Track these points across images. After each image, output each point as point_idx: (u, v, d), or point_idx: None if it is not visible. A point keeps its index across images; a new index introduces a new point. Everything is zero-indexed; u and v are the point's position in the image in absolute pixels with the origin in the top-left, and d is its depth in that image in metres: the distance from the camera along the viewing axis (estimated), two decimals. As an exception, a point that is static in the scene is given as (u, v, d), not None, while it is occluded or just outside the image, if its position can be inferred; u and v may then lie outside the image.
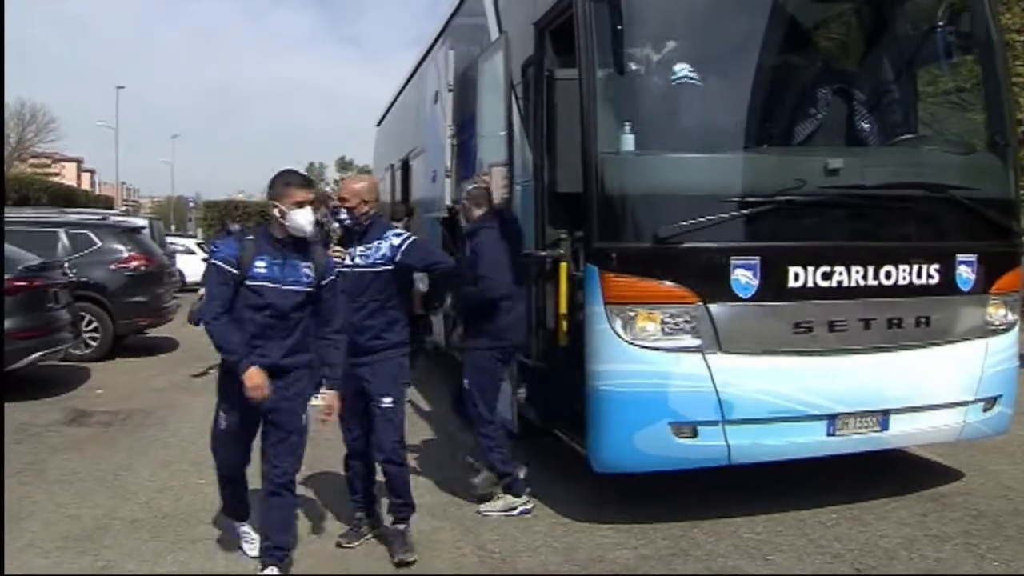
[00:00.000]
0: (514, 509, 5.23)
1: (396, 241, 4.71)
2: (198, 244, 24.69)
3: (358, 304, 4.64)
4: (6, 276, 8.37)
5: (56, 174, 66.33)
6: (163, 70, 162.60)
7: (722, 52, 5.37)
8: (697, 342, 4.79)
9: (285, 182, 4.19)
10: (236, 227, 10.38)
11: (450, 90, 8.05)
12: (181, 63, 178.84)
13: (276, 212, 4.14)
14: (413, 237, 4.91)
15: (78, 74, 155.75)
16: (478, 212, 5.49)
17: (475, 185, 5.85)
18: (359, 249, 4.69)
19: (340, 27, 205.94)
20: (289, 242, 4.18)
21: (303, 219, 4.13)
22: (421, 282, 5.39)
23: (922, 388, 5.18)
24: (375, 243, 4.70)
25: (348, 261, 4.65)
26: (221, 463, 4.46)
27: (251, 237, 4.22)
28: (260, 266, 4.12)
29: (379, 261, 4.67)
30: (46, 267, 9.39)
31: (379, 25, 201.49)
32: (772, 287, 4.88)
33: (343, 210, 4.77)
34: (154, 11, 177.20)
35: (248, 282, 4.10)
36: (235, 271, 4.08)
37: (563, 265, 5.37)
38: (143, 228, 13.99)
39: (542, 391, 5.69)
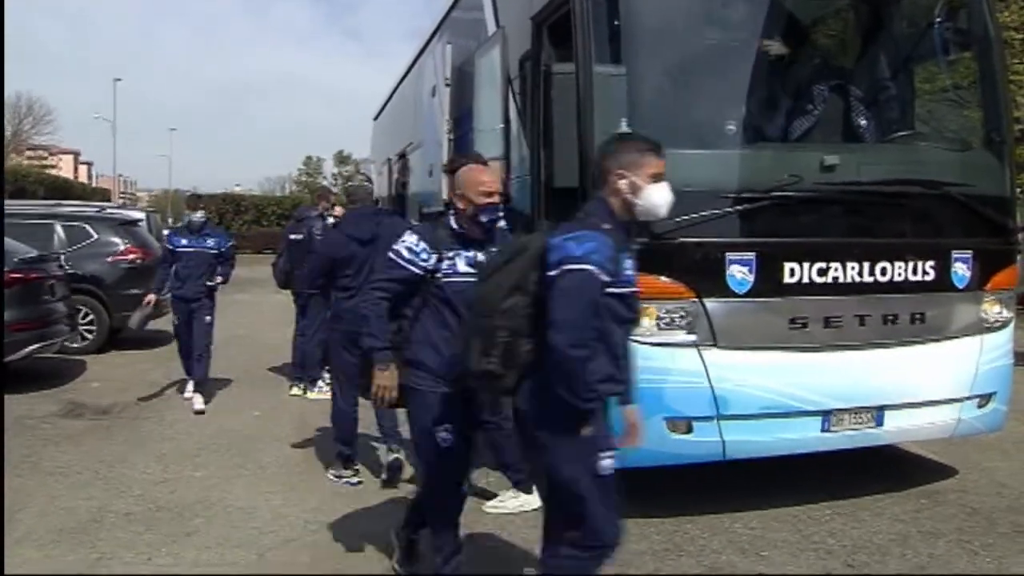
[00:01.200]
0: (341, 478, 5.76)
1: None
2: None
3: None
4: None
5: (53, 166, 66.26)
6: (163, 66, 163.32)
7: (719, 47, 5.37)
8: (692, 338, 4.79)
9: (639, 148, 3.22)
10: (199, 215, 8.23)
11: (447, 84, 8.04)
12: (181, 59, 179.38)
13: (624, 186, 3.16)
14: None
15: (77, 69, 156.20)
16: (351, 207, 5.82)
17: (356, 182, 6.06)
18: (480, 255, 3.79)
19: (340, 20, 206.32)
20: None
21: (662, 197, 3.19)
22: None
23: (917, 384, 5.19)
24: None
25: (463, 266, 3.75)
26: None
27: (607, 226, 3.13)
28: (629, 265, 3.22)
29: None
30: (42, 260, 9.40)
31: (379, 18, 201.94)
32: (768, 283, 4.88)
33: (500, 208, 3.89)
34: (155, 7, 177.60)
35: (619, 289, 3.14)
36: (609, 279, 3.07)
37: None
38: (140, 221, 13.96)
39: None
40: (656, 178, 3.17)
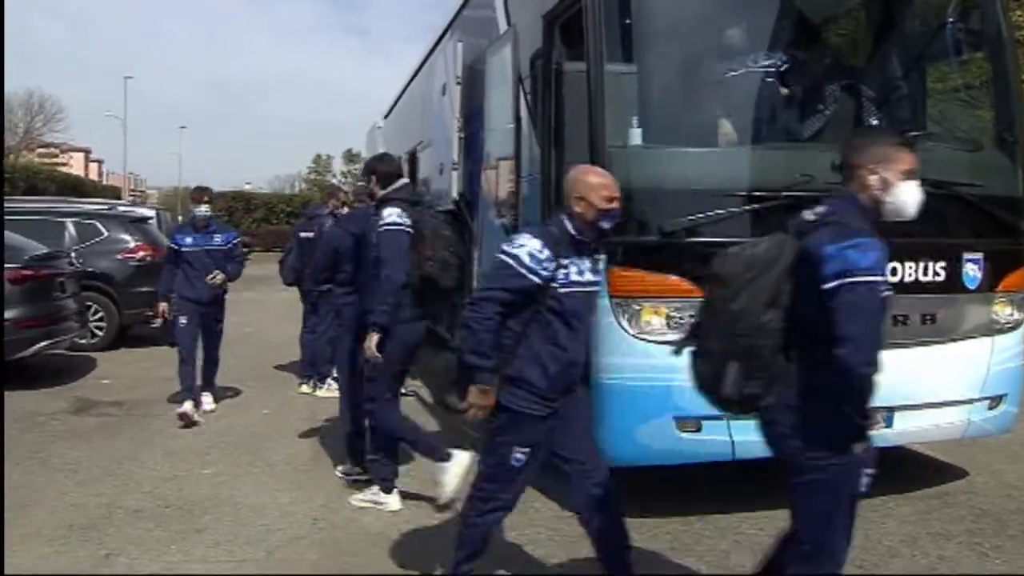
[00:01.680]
0: (349, 476, 5.78)
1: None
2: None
3: (583, 332, 3.69)
4: (14, 265, 8.41)
5: (64, 164, 66.66)
6: (169, 64, 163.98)
7: (730, 46, 5.35)
8: (702, 337, 4.77)
9: (891, 143, 3.10)
10: (203, 210, 7.59)
11: (458, 83, 8.03)
12: (187, 57, 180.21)
13: (875, 182, 2.97)
14: None
15: (85, 68, 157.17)
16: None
17: (361, 182, 6.49)
18: (587, 263, 3.61)
19: (345, 18, 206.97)
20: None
21: (913, 196, 3.01)
22: None
23: (927, 385, 5.16)
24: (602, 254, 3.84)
25: (575, 275, 3.54)
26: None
27: (867, 227, 2.93)
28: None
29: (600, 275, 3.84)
30: (53, 256, 9.45)
31: (385, 15, 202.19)
32: (777, 283, 4.85)
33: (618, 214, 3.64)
34: (157, 5, 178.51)
35: (887, 293, 2.94)
36: (887, 286, 2.93)
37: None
38: (150, 218, 14.02)
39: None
40: (909, 175, 2.98)
